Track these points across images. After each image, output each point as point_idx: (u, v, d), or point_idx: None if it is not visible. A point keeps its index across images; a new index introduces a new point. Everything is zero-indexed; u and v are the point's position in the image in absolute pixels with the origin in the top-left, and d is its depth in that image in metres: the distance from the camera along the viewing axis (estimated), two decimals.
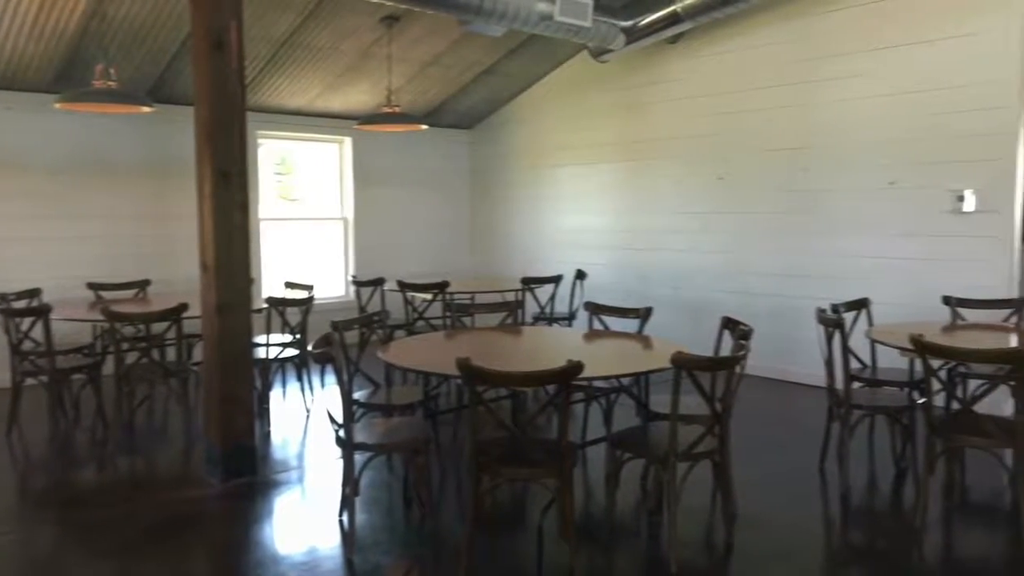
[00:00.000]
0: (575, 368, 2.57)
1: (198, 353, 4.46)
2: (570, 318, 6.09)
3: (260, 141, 7.26)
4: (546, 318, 5.96)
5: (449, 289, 5.31)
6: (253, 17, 5.29)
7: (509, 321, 4.37)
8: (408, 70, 6.85)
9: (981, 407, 3.17)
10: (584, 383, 3.77)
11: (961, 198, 4.98)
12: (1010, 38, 4.75)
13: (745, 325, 3.29)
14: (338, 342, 3.20)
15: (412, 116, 6.57)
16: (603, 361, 3.45)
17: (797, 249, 5.85)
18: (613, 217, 7.19)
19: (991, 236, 4.88)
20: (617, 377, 3.41)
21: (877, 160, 5.38)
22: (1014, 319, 4.24)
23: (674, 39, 6.45)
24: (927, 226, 5.16)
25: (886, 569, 2.99)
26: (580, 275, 6.32)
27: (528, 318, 6.00)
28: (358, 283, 6.04)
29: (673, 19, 5.93)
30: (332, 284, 7.83)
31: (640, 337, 3.88)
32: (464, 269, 8.48)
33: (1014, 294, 4.67)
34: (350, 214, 7.89)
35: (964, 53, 4.94)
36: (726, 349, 3.23)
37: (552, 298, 6.01)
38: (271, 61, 6.20)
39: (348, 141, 7.77)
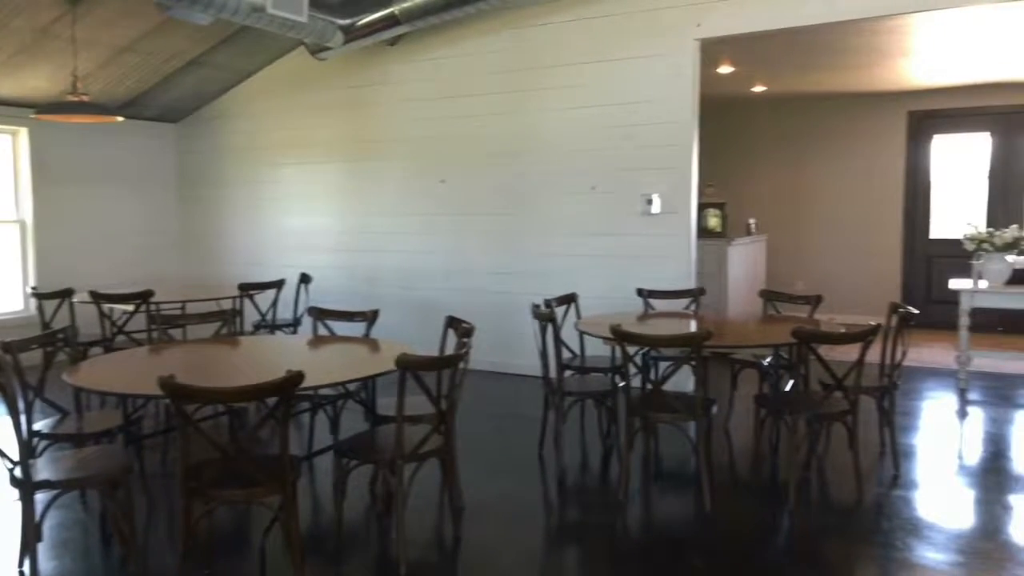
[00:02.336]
0: (294, 379, 2.45)
1: None
2: (295, 324, 5.85)
3: None
4: (268, 326, 5.67)
5: (154, 299, 4.81)
6: None
7: (225, 331, 4.07)
8: (99, 55, 6.11)
9: (671, 386, 3.58)
10: (310, 392, 3.65)
11: (650, 201, 5.60)
12: (685, 61, 5.43)
13: (467, 323, 3.39)
14: (11, 365, 2.74)
15: (105, 106, 5.88)
16: (328, 368, 3.35)
17: (514, 248, 6.18)
18: (340, 218, 7.05)
19: (673, 234, 5.54)
20: (343, 383, 3.33)
21: (581, 166, 5.87)
22: (693, 307, 4.86)
23: (393, 41, 6.48)
24: (623, 226, 5.74)
25: (597, 541, 3.26)
26: (305, 279, 6.10)
27: (248, 327, 5.67)
28: (40, 295, 5.25)
29: (392, 21, 5.94)
30: (6, 298, 6.75)
31: (367, 340, 3.83)
32: (173, 276, 7.78)
33: (692, 285, 5.36)
34: (28, 216, 6.85)
35: (651, 72, 5.55)
36: (452, 347, 3.30)
37: (274, 304, 5.73)
38: None
39: (24, 132, 6.75)
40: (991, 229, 5.63)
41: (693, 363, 3.41)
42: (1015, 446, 4.48)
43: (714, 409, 3.65)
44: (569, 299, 4.73)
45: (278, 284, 5.73)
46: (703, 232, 6.53)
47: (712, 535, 3.27)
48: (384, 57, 6.65)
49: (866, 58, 6.59)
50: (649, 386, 3.63)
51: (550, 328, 3.99)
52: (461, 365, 3.04)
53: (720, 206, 6.97)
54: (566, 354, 4.28)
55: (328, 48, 6.32)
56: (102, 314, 4.75)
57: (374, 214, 6.85)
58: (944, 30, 5.69)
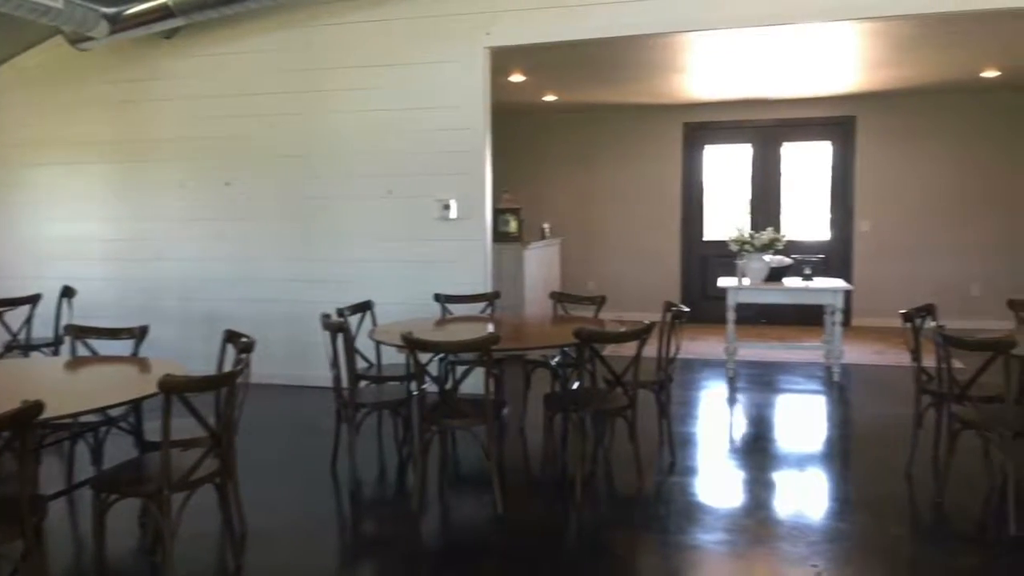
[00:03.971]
0: (30, 410, 2.16)
1: None
2: (56, 344, 5.22)
3: None
4: (21, 347, 5.02)
5: None
6: None
7: None
8: None
9: (471, 390, 3.59)
10: (67, 420, 3.27)
11: (447, 206, 5.61)
12: (475, 68, 5.50)
13: (247, 337, 3.20)
14: None
15: None
16: (84, 393, 3.02)
17: (306, 255, 5.95)
18: (111, 224, 6.40)
19: (470, 239, 5.59)
20: (101, 409, 3.00)
21: (376, 170, 5.76)
22: (489, 310, 4.93)
23: (170, 34, 6.00)
24: (421, 231, 5.70)
25: (391, 555, 3.19)
26: (67, 292, 5.47)
27: None
28: None
29: (164, 12, 5.50)
30: None
31: (136, 360, 3.50)
32: None
33: (489, 288, 5.44)
34: None
35: (444, 77, 5.55)
36: (232, 363, 3.09)
37: (28, 322, 5.08)
38: None
39: None
40: (752, 232, 6.23)
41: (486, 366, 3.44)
42: (775, 427, 4.98)
43: (505, 411, 3.72)
44: (364, 307, 4.63)
45: (32, 299, 5.10)
46: (500, 236, 6.66)
47: (504, 536, 3.32)
48: (159, 51, 6.14)
49: (646, 71, 7.05)
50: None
51: (341, 338, 3.86)
52: (239, 382, 2.85)
53: (516, 211, 7.14)
54: (362, 364, 4.17)
55: (91, 38, 5.73)
56: None
57: (151, 219, 6.30)
58: (712, 49, 6.22)
